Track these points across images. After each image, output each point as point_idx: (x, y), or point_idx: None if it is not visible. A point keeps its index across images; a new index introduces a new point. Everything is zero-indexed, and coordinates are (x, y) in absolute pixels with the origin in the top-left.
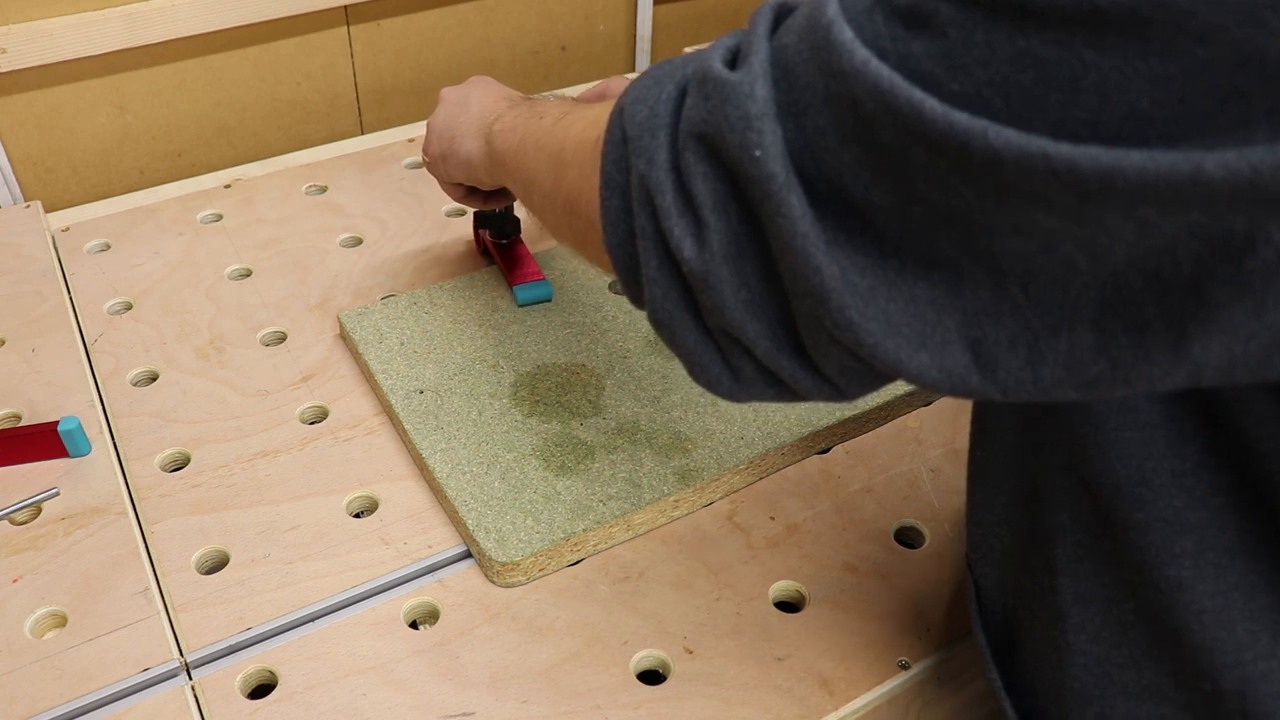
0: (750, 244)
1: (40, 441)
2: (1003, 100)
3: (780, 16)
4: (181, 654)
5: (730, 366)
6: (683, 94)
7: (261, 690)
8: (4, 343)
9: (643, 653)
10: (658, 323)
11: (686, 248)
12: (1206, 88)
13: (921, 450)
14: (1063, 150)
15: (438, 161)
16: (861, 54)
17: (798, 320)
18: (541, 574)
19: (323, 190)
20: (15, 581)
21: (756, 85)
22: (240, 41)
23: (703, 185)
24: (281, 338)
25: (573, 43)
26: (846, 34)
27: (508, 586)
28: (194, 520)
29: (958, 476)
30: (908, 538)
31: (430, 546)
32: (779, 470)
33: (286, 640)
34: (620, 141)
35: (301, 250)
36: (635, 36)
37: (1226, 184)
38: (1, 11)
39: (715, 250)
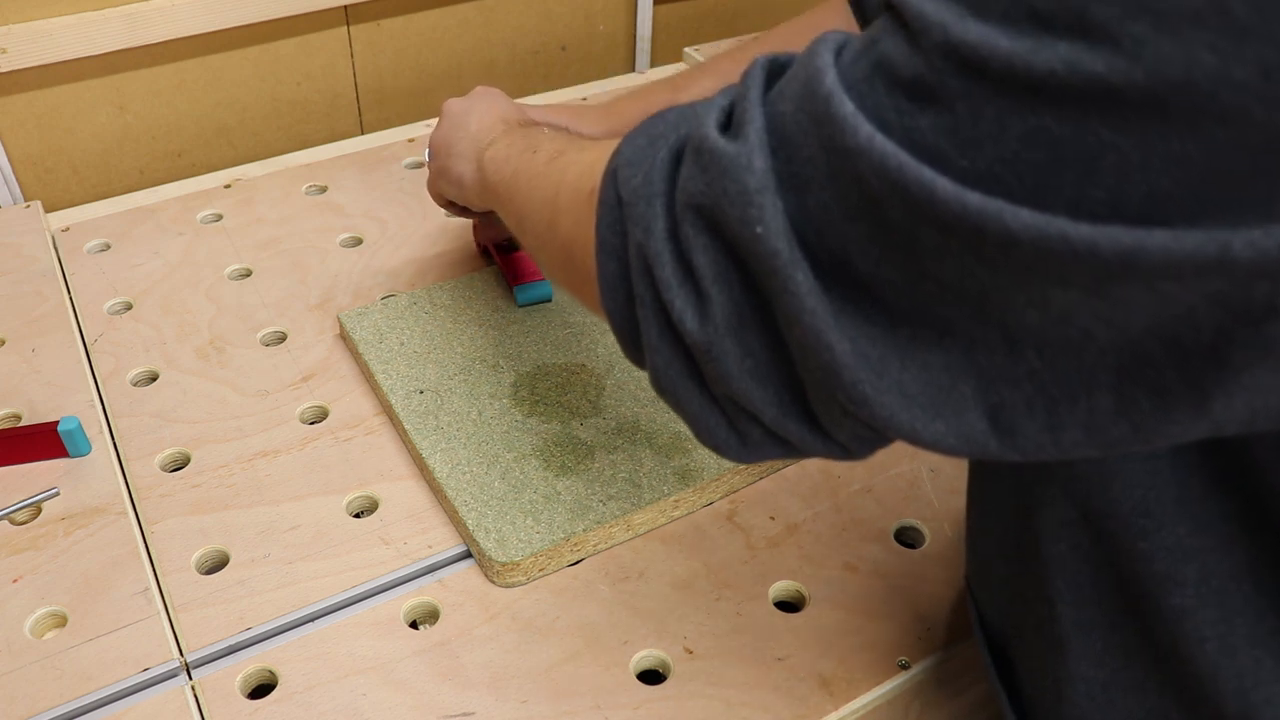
0: (753, 314)
1: (40, 441)
2: (1015, 177)
3: (772, 75)
4: (181, 654)
5: (737, 431)
6: (677, 159)
7: (261, 690)
8: (4, 343)
9: (643, 653)
10: (661, 389)
11: (688, 320)
12: (1229, 167)
13: (921, 450)
14: (1082, 232)
15: (434, 177)
16: (866, 130)
17: (808, 391)
18: (541, 574)
19: (323, 190)
20: (15, 581)
21: (754, 157)
22: (240, 41)
23: (703, 257)
24: (281, 338)
25: (573, 43)
26: (848, 107)
27: (508, 586)
28: (194, 520)
29: (958, 476)
30: (908, 538)
31: (430, 546)
32: (779, 470)
33: (286, 640)
34: (615, 204)
35: (301, 250)
36: (635, 36)
37: (1254, 262)
38: (1, 11)
39: (718, 323)
